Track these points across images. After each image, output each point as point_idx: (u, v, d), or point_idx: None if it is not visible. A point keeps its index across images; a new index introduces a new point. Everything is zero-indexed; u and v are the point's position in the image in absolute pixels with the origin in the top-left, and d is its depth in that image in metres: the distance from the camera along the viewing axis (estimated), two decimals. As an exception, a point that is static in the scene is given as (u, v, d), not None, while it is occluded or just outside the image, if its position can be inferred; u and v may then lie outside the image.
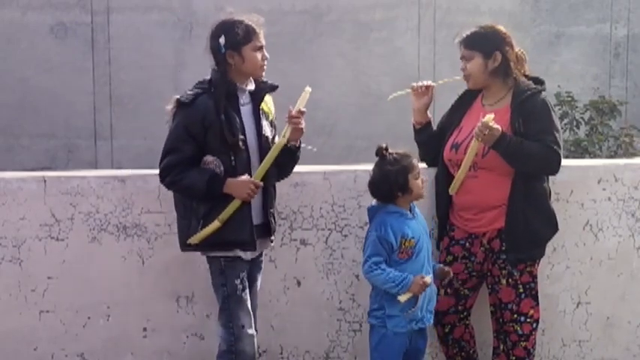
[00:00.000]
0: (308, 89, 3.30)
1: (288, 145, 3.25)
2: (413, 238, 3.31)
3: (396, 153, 3.38)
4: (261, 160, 3.24)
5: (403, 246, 3.29)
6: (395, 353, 3.35)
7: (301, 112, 3.25)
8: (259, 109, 3.29)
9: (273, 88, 3.34)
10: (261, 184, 3.19)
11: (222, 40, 3.16)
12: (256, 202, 3.27)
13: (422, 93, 3.70)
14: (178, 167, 3.15)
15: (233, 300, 3.21)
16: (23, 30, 7.90)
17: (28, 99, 7.90)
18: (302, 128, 3.26)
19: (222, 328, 3.23)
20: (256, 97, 3.29)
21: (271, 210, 3.36)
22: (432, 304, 3.41)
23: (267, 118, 3.33)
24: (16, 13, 7.91)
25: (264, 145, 3.27)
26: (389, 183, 3.33)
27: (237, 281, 3.22)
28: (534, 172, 3.44)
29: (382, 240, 3.28)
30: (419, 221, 3.42)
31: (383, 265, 3.26)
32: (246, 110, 3.26)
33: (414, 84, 3.72)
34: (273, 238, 3.43)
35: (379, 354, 3.38)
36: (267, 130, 3.30)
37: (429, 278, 3.29)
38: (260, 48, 3.23)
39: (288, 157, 3.31)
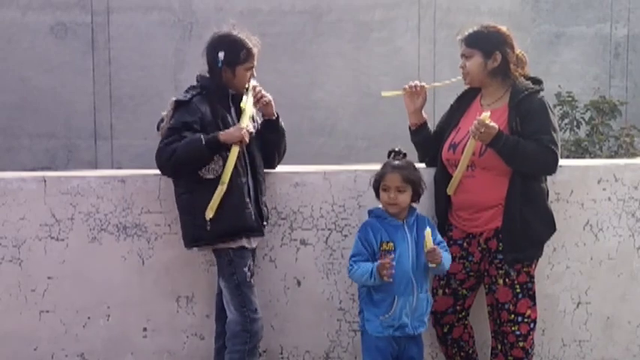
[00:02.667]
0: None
1: (265, 117, 3.55)
2: (391, 242, 3.33)
3: (395, 160, 3.42)
4: (249, 151, 3.46)
5: (382, 248, 3.33)
6: (379, 356, 3.36)
7: (255, 86, 3.49)
8: (240, 109, 3.47)
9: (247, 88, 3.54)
10: (249, 128, 3.37)
11: (221, 55, 3.40)
12: (251, 193, 3.45)
13: (415, 94, 3.69)
14: (173, 144, 3.29)
15: (245, 286, 3.39)
16: (23, 30, 7.91)
17: (28, 99, 7.92)
18: (266, 99, 3.49)
19: (236, 312, 3.38)
20: (236, 99, 3.49)
21: (263, 198, 3.53)
22: (420, 312, 3.35)
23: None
24: (16, 13, 7.92)
25: (251, 139, 3.45)
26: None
27: (246, 269, 3.40)
28: (531, 172, 3.43)
29: (363, 240, 3.35)
30: (409, 230, 3.37)
31: (358, 262, 3.31)
32: (232, 111, 3.51)
33: (406, 85, 3.71)
34: (265, 223, 3.55)
35: (366, 357, 3.41)
36: (250, 127, 3.46)
37: (387, 260, 3.21)
38: (251, 68, 3.49)
39: (271, 129, 3.57)
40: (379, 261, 3.24)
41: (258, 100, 3.49)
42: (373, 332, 3.36)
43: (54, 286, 3.62)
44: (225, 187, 3.29)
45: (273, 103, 3.55)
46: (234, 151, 3.31)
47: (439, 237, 3.43)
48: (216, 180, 3.31)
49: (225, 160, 3.32)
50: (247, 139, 3.35)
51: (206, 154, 3.29)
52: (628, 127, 7.18)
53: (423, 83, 3.72)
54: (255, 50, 3.47)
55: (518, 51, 3.54)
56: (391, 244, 3.33)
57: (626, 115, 7.72)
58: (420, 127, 3.74)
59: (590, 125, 7.18)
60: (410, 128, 3.78)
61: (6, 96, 7.87)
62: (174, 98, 3.40)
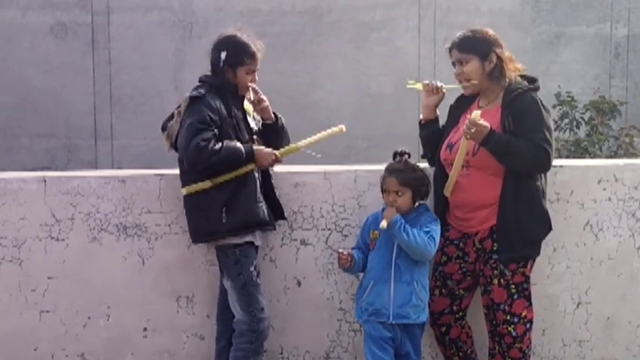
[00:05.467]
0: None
1: (266, 122, 3.62)
2: (376, 230, 3.44)
3: (395, 164, 3.49)
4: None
5: (370, 238, 3.50)
6: (368, 338, 3.43)
7: (256, 93, 3.58)
8: (244, 109, 3.59)
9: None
10: (282, 159, 3.50)
11: (223, 55, 3.47)
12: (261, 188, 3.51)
13: (432, 91, 3.69)
14: (213, 140, 3.30)
15: (251, 286, 3.43)
16: (23, 30, 7.91)
17: (28, 99, 7.91)
18: (266, 106, 3.60)
19: (242, 312, 3.42)
20: (240, 99, 3.58)
21: (278, 192, 3.60)
22: (401, 302, 3.38)
23: (249, 115, 3.63)
24: (16, 13, 7.91)
25: (253, 136, 3.55)
26: None
27: (252, 268, 3.44)
28: (525, 170, 3.42)
29: (361, 232, 3.58)
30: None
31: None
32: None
33: (426, 81, 3.71)
34: (286, 215, 3.65)
35: (364, 346, 3.49)
36: (252, 124, 3.59)
37: (341, 250, 3.46)
38: (253, 71, 3.54)
39: (271, 130, 3.63)
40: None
41: (258, 102, 3.57)
42: (356, 317, 3.55)
43: (54, 286, 3.62)
44: (210, 185, 3.35)
45: (269, 107, 3.61)
46: (247, 168, 3.40)
47: (427, 228, 3.41)
48: (230, 178, 3.38)
49: None
50: (269, 167, 3.51)
51: (242, 164, 3.37)
52: (628, 127, 7.17)
53: (442, 84, 3.70)
54: (258, 54, 3.52)
55: (506, 52, 3.55)
56: (377, 232, 3.46)
57: (626, 115, 7.72)
58: (429, 123, 3.73)
59: (589, 125, 7.17)
60: (420, 122, 3.78)
61: (6, 96, 7.87)
62: (187, 94, 3.43)
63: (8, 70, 7.89)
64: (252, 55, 3.50)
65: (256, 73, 3.57)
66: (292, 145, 3.56)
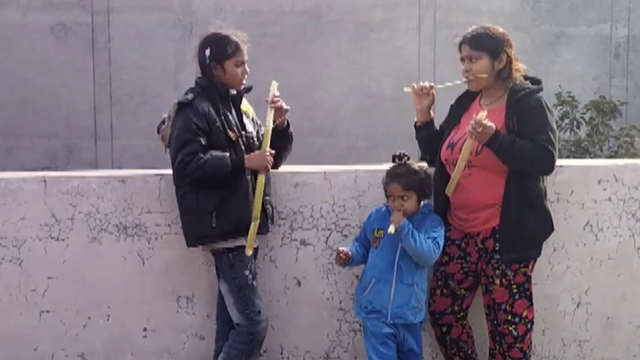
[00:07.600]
0: (274, 83, 3.55)
1: (277, 127, 3.50)
2: (382, 229, 3.44)
3: (395, 168, 3.48)
4: (252, 151, 3.46)
5: (374, 236, 3.49)
6: (370, 335, 3.43)
7: (277, 96, 3.49)
8: (240, 111, 3.55)
9: (248, 90, 3.60)
10: (273, 151, 3.44)
11: (207, 52, 3.45)
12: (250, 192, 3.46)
13: (423, 94, 3.68)
14: (197, 154, 3.29)
15: (247, 289, 3.42)
16: (23, 30, 7.92)
17: (28, 99, 7.92)
18: (284, 107, 3.51)
19: (239, 314, 3.42)
20: (236, 100, 3.54)
21: (267, 197, 3.53)
22: (400, 303, 3.39)
23: (247, 117, 3.59)
24: (17, 14, 7.93)
25: (249, 140, 3.51)
26: None
27: (247, 272, 3.43)
28: (528, 171, 3.42)
29: (364, 226, 3.58)
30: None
31: (353, 244, 3.55)
32: (232, 111, 3.52)
33: (415, 85, 3.69)
34: (271, 223, 3.59)
35: (365, 343, 3.49)
36: (250, 127, 3.56)
37: (341, 248, 3.45)
38: (242, 63, 3.50)
39: (281, 138, 3.55)
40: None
41: (274, 104, 3.46)
42: (355, 313, 3.55)
43: (54, 286, 3.62)
44: (258, 222, 3.33)
45: (284, 108, 3.52)
46: (260, 181, 3.35)
47: (434, 234, 3.42)
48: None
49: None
50: (271, 165, 3.43)
51: (229, 175, 3.34)
52: (628, 127, 7.18)
53: (432, 84, 3.69)
54: (242, 45, 3.49)
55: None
56: (381, 231, 3.46)
57: (626, 116, 7.72)
58: (425, 125, 3.73)
59: (590, 125, 7.18)
60: (415, 125, 3.77)
61: (6, 96, 7.87)
62: (176, 100, 3.41)
63: (8, 70, 7.89)
64: (235, 45, 3.46)
65: (246, 65, 3.52)
66: (264, 133, 3.43)
